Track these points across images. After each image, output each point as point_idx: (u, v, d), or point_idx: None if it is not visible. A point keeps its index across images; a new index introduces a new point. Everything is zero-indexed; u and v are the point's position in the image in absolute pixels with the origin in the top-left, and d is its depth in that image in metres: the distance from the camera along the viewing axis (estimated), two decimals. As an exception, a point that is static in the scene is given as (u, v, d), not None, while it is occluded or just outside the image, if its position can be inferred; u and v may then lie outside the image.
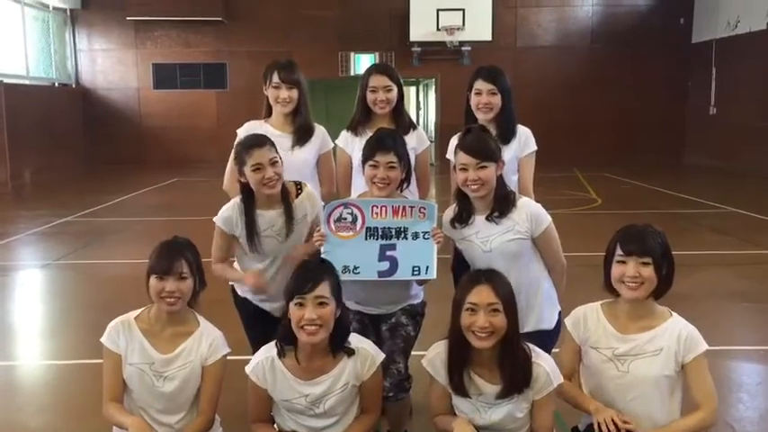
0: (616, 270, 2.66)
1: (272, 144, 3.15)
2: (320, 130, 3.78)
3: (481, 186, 2.95)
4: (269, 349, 2.81)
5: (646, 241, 2.64)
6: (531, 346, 2.68)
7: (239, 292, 3.40)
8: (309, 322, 2.62)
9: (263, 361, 2.78)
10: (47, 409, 4.11)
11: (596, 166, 16.70)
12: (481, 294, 2.58)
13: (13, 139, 14.34)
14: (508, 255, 2.99)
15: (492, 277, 2.65)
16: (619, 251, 2.66)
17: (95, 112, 18.62)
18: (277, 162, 3.10)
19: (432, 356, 2.75)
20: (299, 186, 3.25)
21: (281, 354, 2.76)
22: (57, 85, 17.95)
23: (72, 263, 7.89)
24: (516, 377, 2.59)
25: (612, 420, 2.56)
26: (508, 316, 2.58)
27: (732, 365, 4.58)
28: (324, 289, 2.65)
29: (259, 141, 3.12)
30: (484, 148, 2.98)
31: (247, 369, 2.81)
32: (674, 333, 2.65)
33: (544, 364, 2.63)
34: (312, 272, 2.71)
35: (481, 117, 3.65)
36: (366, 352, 2.79)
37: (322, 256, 3.03)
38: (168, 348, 2.84)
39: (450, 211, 3.14)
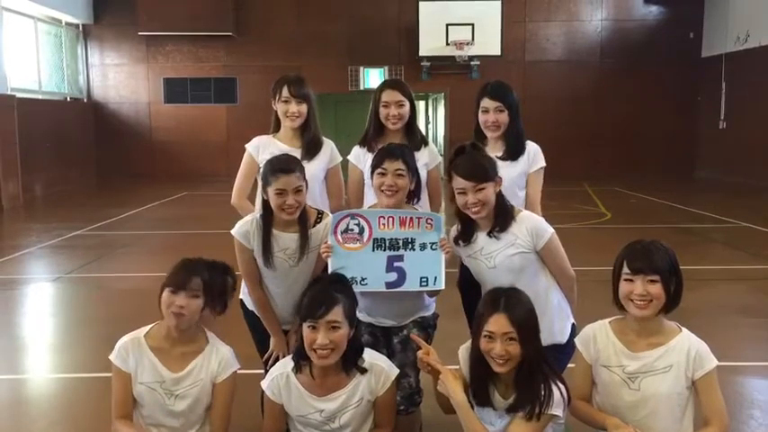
0: (624, 288, 2.65)
1: (302, 172, 3.12)
2: (329, 145, 3.80)
3: (482, 207, 2.96)
4: (285, 364, 2.83)
5: (653, 258, 2.62)
6: (555, 370, 2.66)
7: (249, 306, 3.41)
8: (321, 347, 2.63)
9: (278, 377, 2.79)
10: (59, 423, 4.12)
11: (606, 180, 16.65)
12: (498, 323, 2.58)
13: (25, 153, 14.42)
14: (512, 269, 2.99)
15: (510, 304, 2.62)
16: (626, 269, 2.64)
17: (107, 126, 18.74)
18: (301, 191, 3.06)
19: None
20: (319, 215, 3.22)
21: (297, 369, 2.77)
22: (68, 99, 18.07)
23: (83, 276, 7.92)
24: (527, 399, 2.57)
25: None
26: (525, 342, 2.57)
27: (743, 381, 4.55)
28: (337, 313, 2.65)
29: (288, 168, 3.07)
30: (479, 169, 2.98)
31: (263, 384, 2.82)
32: (684, 349, 2.64)
33: (556, 392, 2.59)
34: (325, 295, 2.70)
35: (490, 134, 3.67)
36: (380, 368, 2.80)
37: (329, 268, 3.04)
38: (178, 367, 2.84)
39: (453, 230, 3.14)
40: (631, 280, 2.62)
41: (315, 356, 2.66)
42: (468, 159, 3.04)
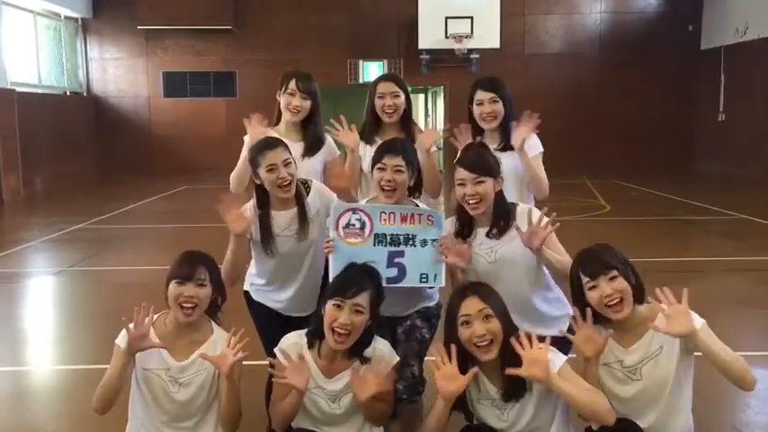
0: (592, 296, 2.66)
1: (286, 146, 3.20)
2: (328, 140, 3.84)
3: (479, 202, 2.96)
4: (300, 335, 2.87)
5: (603, 257, 2.68)
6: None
7: (254, 297, 3.44)
8: (341, 326, 2.67)
9: (293, 346, 2.83)
10: (62, 414, 4.15)
11: (605, 172, 16.67)
12: (471, 304, 2.62)
13: (26, 147, 14.45)
14: (515, 261, 3.00)
15: (477, 288, 2.70)
16: (585, 278, 2.68)
17: (106, 120, 18.74)
18: (290, 163, 3.14)
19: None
20: (306, 185, 3.28)
21: (310, 344, 2.82)
22: (68, 93, 18.07)
23: (85, 269, 7.96)
24: (516, 380, 2.59)
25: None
26: (502, 317, 2.61)
27: (742, 371, 4.58)
28: (363, 298, 2.72)
29: (272, 143, 3.17)
30: (481, 162, 3.00)
31: (277, 351, 2.85)
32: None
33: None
34: (358, 278, 2.77)
35: (486, 126, 3.69)
36: (381, 352, 2.85)
37: (330, 263, 3.05)
38: (184, 355, 2.86)
39: (449, 223, 3.13)
40: (595, 286, 2.65)
41: (332, 336, 2.70)
42: (472, 152, 3.10)
